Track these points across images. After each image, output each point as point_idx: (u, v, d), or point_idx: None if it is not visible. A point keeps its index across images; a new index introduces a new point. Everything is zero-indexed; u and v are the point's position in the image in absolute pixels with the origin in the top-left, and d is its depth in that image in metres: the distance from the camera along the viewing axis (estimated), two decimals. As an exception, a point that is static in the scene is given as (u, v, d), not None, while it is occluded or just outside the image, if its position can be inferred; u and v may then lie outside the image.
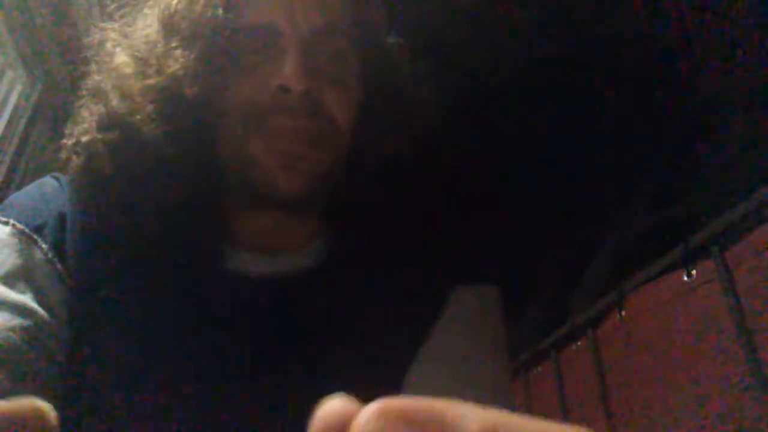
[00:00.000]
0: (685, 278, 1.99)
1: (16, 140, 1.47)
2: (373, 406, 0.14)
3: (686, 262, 1.98)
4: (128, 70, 0.52)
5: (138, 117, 0.50)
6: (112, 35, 0.55)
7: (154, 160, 0.50)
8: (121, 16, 0.56)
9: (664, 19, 1.68)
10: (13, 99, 1.49)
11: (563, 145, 2.02)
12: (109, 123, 0.51)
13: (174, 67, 0.51)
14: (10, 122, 1.47)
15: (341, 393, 0.16)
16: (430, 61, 0.61)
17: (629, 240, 2.27)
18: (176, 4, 0.53)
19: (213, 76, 0.51)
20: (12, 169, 1.48)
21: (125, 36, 0.55)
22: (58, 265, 0.50)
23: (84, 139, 0.52)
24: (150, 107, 0.50)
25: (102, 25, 0.56)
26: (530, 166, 2.09)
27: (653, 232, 2.13)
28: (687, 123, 1.89)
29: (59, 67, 1.54)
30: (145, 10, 0.55)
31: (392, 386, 0.51)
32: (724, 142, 1.79)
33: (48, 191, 0.54)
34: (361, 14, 0.56)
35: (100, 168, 0.51)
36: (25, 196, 0.55)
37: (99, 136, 0.51)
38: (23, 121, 1.49)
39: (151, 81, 0.51)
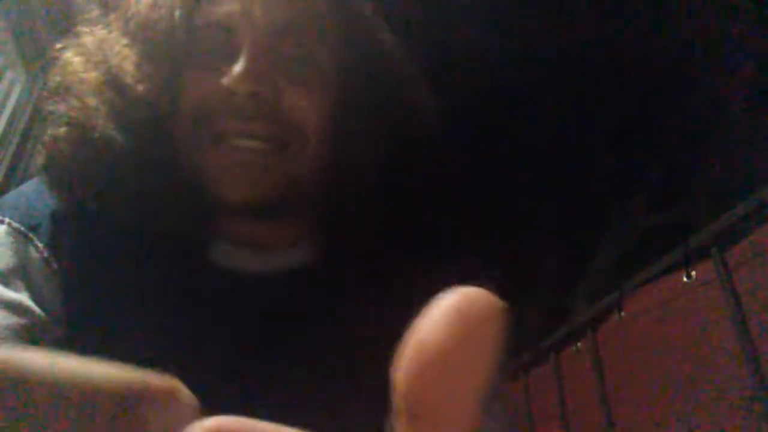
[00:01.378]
0: (685, 279, 1.99)
1: (16, 140, 1.47)
2: (210, 422, 0.15)
3: (686, 263, 1.98)
4: (72, 67, 0.52)
5: (84, 114, 0.50)
6: (72, 40, 0.55)
7: (111, 157, 0.50)
8: (97, 23, 0.56)
9: (665, 21, 1.68)
10: (13, 99, 1.50)
11: (564, 146, 2.02)
12: (61, 121, 0.51)
13: (119, 63, 0.51)
14: (10, 122, 1.47)
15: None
16: (427, 61, 0.60)
17: (629, 241, 2.27)
18: (133, 7, 0.52)
19: (165, 73, 0.51)
20: (12, 169, 1.48)
21: (79, 37, 0.55)
22: (54, 264, 0.50)
23: (44, 138, 0.52)
24: (95, 104, 0.50)
25: (78, 29, 0.56)
26: (531, 167, 2.09)
27: (653, 233, 2.13)
28: (687, 124, 1.89)
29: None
30: (112, 18, 0.55)
31: (384, 386, 0.51)
32: (724, 143, 1.79)
33: (43, 190, 0.54)
34: (337, 8, 0.55)
35: (59, 165, 0.51)
36: (20, 194, 0.55)
37: (54, 133, 0.51)
38: (23, 121, 1.49)
39: (93, 78, 0.51)
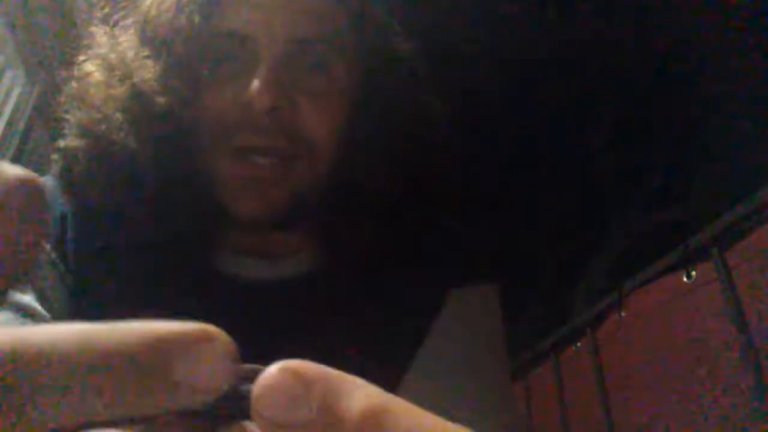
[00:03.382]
0: (685, 279, 1.99)
1: (16, 140, 1.47)
2: (277, 365, 0.15)
3: (686, 263, 1.98)
4: (93, 79, 0.52)
5: (104, 126, 0.50)
6: (92, 42, 0.55)
7: (130, 169, 0.49)
8: (107, 23, 0.55)
9: (664, 20, 1.68)
10: (13, 99, 1.50)
11: (564, 146, 2.02)
12: (79, 132, 0.51)
13: (141, 76, 0.50)
14: (10, 122, 1.47)
15: None
16: (426, 60, 0.60)
17: (629, 241, 2.27)
18: (152, 12, 0.52)
19: (186, 86, 0.50)
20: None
21: (98, 44, 0.54)
22: (60, 266, 0.50)
23: (62, 144, 0.52)
24: (116, 116, 0.50)
25: (91, 29, 0.55)
26: (530, 167, 2.09)
27: (653, 233, 2.13)
28: (686, 124, 1.89)
29: (59, 67, 1.54)
30: (128, 21, 0.55)
31: (389, 388, 0.51)
32: (724, 143, 1.79)
33: (48, 192, 0.54)
34: (357, 21, 0.55)
35: (76, 175, 0.51)
36: None
37: (73, 143, 0.51)
38: (23, 121, 1.49)
39: (115, 90, 0.50)
